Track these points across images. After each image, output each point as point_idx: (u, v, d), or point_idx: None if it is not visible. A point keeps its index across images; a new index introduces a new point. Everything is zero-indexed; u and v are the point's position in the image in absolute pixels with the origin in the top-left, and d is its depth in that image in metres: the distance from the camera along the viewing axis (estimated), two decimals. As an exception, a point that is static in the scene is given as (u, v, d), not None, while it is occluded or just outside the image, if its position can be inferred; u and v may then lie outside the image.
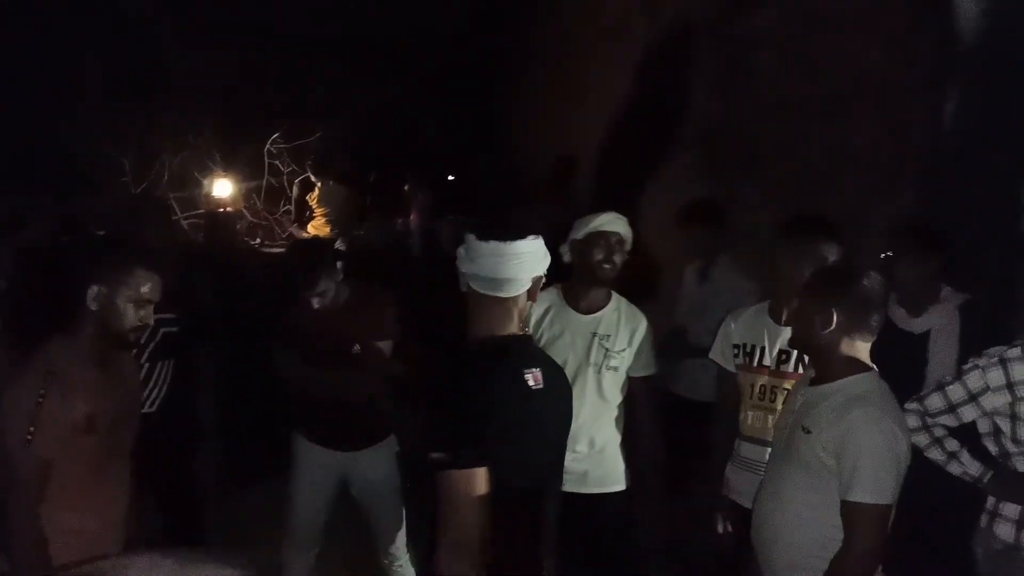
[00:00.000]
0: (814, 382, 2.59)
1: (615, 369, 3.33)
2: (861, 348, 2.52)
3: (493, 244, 2.22)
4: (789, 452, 2.55)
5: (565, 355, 3.25)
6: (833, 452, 2.39)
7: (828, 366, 2.54)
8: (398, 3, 8.63)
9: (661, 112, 6.31)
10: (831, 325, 2.49)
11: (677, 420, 3.71)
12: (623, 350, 3.33)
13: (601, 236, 3.29)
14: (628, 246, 3.36)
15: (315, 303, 3.52)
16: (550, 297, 3.36)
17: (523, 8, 8.27)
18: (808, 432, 2.47)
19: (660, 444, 3.42)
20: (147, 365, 3.55)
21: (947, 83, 4.05)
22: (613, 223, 3.31)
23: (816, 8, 4.80)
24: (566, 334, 3.32)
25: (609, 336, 3.32)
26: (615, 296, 3.42)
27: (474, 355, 2.24)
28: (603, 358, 3.32)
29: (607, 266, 3.29)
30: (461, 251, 2.28)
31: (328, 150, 8.87)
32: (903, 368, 2.97)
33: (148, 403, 3.54)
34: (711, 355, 3.32)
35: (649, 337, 3.39)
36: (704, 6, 5.87)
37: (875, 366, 2.53)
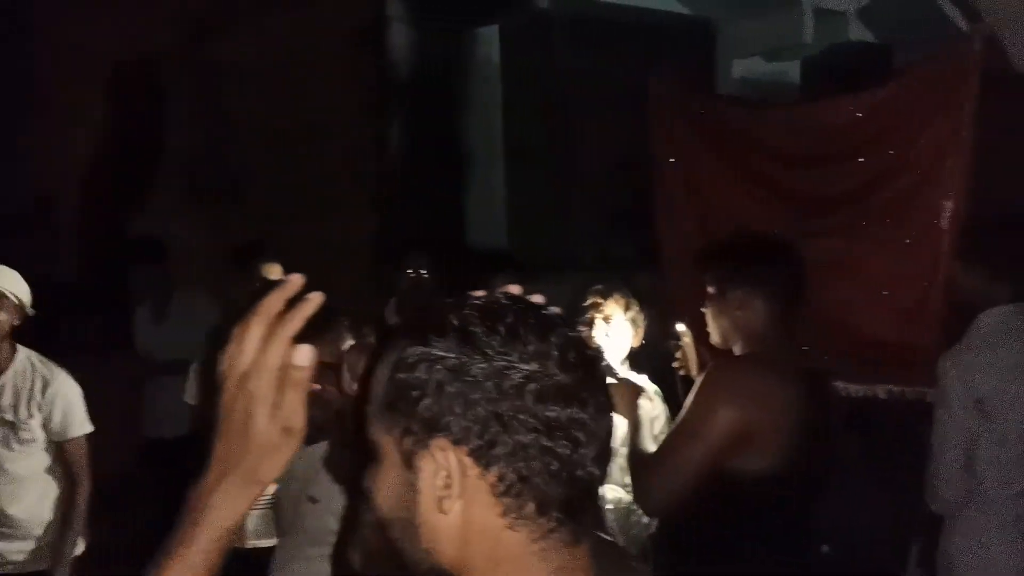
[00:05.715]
0: None
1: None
2: None
3: None
4: None
5: None
6: None
7: None
8: None
9: (143, 143, 6.11)
10: None
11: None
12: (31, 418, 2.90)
13: None
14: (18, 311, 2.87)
15: None
16: None
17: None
18: None
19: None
20: None
21: (388, 110, 4.52)
22: None
23: (276, 41, 5.02)
24: None
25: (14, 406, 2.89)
26: (20, 351, 2.93)
27: None
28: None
29: None
30: None
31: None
32: None
33: None
34: None
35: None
36: (170, 32, 5.79)
37: None
